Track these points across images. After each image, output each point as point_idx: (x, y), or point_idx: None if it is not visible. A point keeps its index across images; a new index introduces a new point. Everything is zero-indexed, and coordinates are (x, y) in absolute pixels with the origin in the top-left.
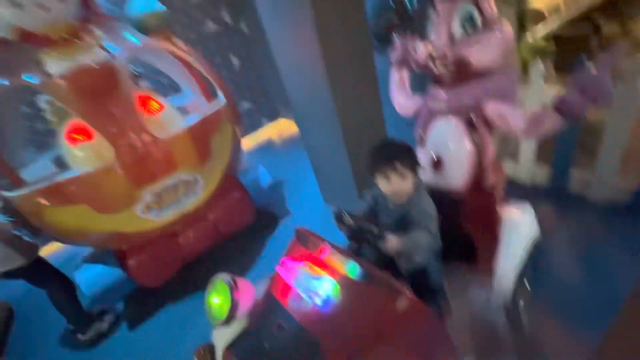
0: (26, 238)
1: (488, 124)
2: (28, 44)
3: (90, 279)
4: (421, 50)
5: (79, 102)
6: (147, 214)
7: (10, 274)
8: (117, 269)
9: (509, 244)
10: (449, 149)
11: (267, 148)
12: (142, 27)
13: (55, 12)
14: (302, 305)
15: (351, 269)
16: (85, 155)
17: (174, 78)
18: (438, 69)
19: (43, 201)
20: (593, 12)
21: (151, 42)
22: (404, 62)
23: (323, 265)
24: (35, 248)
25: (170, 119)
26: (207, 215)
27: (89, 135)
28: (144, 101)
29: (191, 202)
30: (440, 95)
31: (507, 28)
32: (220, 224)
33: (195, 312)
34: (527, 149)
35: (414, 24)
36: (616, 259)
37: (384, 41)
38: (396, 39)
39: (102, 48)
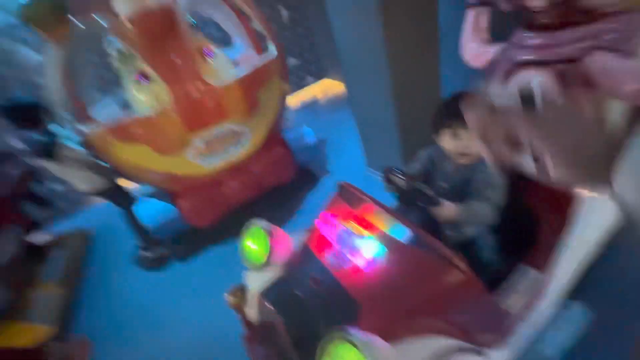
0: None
1: (588, 82)
2: None
3: (150, 213)
4: None
5: (143, 45)
6: (197, 160)
7: (100, 194)
8: (171, 207)
9: (582, 228)
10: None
11: (311, 107)
12: None
13: None
14: (341, 263)
15: (398, 230)
16: (146, 98)
17: (227, 30)
18: (538, 1)
19: (110, 138)
20: None
21: None
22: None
23: (366, 224)
24: (114, 173)
25: (222, 69)
26: (250, 167)
27: (149, 78)
28: (200, 50)
29: (237, 153)
30: (531, 41)
31: None
32: (262, 177)
33: (235, 255)
34: None
35: None
36: None
37: None
38: None
39: None
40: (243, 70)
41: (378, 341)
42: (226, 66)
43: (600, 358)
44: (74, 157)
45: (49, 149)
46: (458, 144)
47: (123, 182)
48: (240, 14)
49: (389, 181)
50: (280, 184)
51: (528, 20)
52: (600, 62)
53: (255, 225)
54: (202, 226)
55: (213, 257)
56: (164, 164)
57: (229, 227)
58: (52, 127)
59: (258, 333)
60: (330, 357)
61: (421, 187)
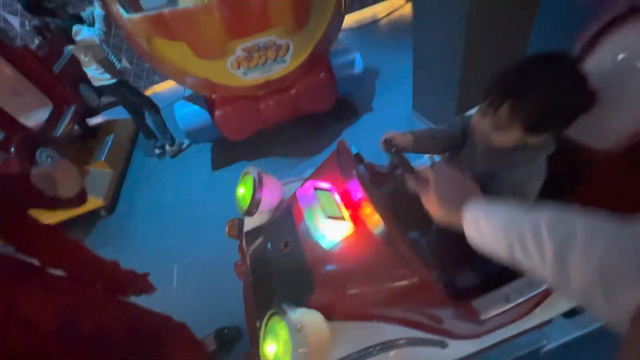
0: (116, 63)
1: None
2: None
3: (186, 116)
4: None
5: None
6: (236, 70)
7: (106, 91)
8: (207, 114)
9: None
10: (627, 81)
11: (369, 30)
12: None
13: None
14: (311, 237)
15: (374, 220)
16: None
17: None
18: None
19: (151, 29)
20: None
21: None
22: None
23: (347, 199)
24: (122, 73)
25: None
26: (289, 88)
27: None
28: None
29: (278, 69)
30: None
31: None
32: (300, 100)
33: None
34: None
35: None
36: None
37: None
38: None
39: None
40: None
41: (316, 317)
42: None
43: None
44: (90, 46)
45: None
46: (481, 124)
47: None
48: None
49: (386, 147)
50: (319, 111)
51: None
52: None
53: (248, 172)
54: (234, 139)
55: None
56: (203, 69)
57: (261, 145)
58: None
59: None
60: (268, 328)
61: (410, 170)
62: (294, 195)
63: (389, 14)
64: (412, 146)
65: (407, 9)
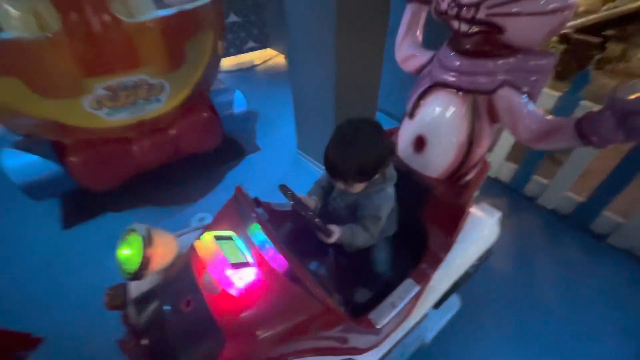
0: None
1: (493, 116)
2: None
3: (23, 168)
4: None
5: None
6: (97, 111)
7: None
8: (54, 163)
9: (467, 243)
10: (438, 131)
11: (247, 74)
12: None
13: None
14: (215, 287)
15: (278, 261)
16: (21, 17)
17: None
18: (460, 24)
19: None
20: (604, 28)
21: None
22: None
23: (250, 245)
24: None
25: (141, 7)
26: (168, 128)
27: None
28: None
29: (152, 109)
30: (452, 62)
31: None
32: (181, 141)
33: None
34: (502, 147)
35: None
36: (542, 257)
37: None
38: None
39: None
40: (167, 12)
41: None
42: (146, 5)
43: (466, 337)
44: None
45: None
46: (339, 186)
47: None
48: None
49: (284, 193)
50: (202, 151)
51: (452, 39)
52: (507, 99)
53: (133, 230)
54: (98, 189)
55: (109, 227)
56: (47, 109)
57: (134, 193)
58: None
59: (134, 338)
60: None
61: (304, 211)
62: (192, 248)
63: (265, 62)
64: (309, 197)
65: (281, 59)
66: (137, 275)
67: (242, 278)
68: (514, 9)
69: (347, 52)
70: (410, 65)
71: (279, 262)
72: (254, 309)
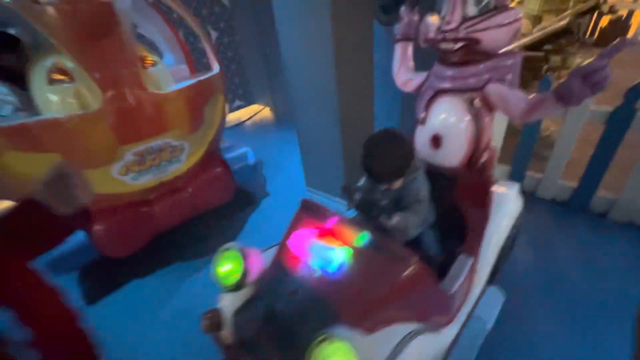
0: None
1: (489, 105)
2: None
3: None
4: (432, 23)
5: (70, 37)
6: (124, 176)
7: None
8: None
9: (498, 216)
10: (449, 128)
11: (237, 130)
12: None
13: None
14: (314, 273)
15: (361, 237)
16: (63, 98)
17: (157, 42)
18: (447, 45)
19: (6, 142)
20: (543, 45)
21: None
22: (409, 36)
23: (332, 234)
24: None
25: (164, 77)
26: (185, 186)
27: (70, 77)
28: (140, 56)
29: (172, 170)
30: (446, 73)
31: (518, 8)
32: (198, 197)
33: (165, 288)
34: (556, 164)
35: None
36: (557, 243)
37: (391, 13)
38: (404, 12)
39: None
40: (188, 81)
41: (358, 335)
42: (167, 77)
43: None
44: None
45: None
46: (382, 186)
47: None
48: (173, 27)
49: (347, 194)
50: (218, 206)
51: (442, 57)
52: (496, 90)
53: (229, 247)
54: (121, 256)
55: (139, 292)
56: None
57: (157, 254)
58: None
59: (236, 353)
60: (320, 355)
61: (372, 198)
62: (280, 248)
63: (252, 117)
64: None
65: (267, 112)
66: (239, 285)
67: (338, 258)
68: (484, 25)
69: (346, 94)
70: (410, 87)
71: (364, 239)
72: (355, 281)
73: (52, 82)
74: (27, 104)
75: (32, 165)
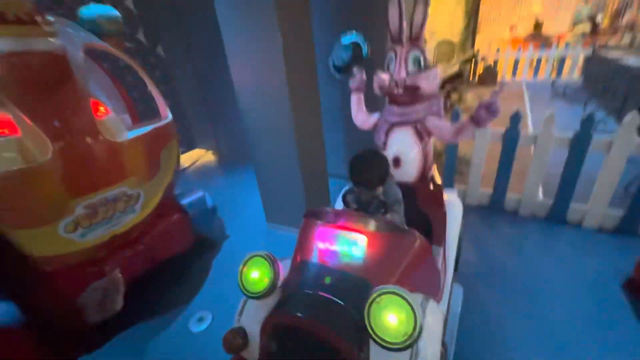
0: None
1: (428, 133)
2: None
3: None
4: (385, 77)
5: (19, 89)
6: (72, 234)
7: None
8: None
9: (452, 213)
10: (405, 153)
11: (181, 177)
12: (97, 31)
13: None
14: (341, 259)
15: (374, 224)
16: (6, 155)
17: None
18: (397, 90)
19: None
20: (444, 84)
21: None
22: (361, 88)
23: (346, 228)
24: None
25: (117, 125)
26: (141, 238)
27: (13, 130)
28: (94, 103)
29: (127, 220)
30: (397, 110)
31: (438, 67)
32: (155, 248)
33: (130, 356)
34: (474, 177)
35: (368, 63)
36: (487, 240)
37: (344, 72)
38: (356, 71)
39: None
40: (145, 128)
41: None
42: (120, 126)
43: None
44: None
45: None
46: (364, 193)
47: None
48: (113, 76)
49: (350, 195)
50: (177, 254)
51: (392, 99)
52: (433, 121)
53: (256, 255)
54: (73, 329)
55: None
56: (19, 241)
57: (117, 318)
58: None
59: None
60: (380, 309)
61: (366, 203)
62: (303, 253)
63: (194, 162)
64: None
65: (210, 156)
66: (269, 291)
67: (360, 243)
68: (422, 77)
69: (301, 130)
70: (367, 125)
71: (374, 225)
72: (377, 258)
73: None
74: None
75: None
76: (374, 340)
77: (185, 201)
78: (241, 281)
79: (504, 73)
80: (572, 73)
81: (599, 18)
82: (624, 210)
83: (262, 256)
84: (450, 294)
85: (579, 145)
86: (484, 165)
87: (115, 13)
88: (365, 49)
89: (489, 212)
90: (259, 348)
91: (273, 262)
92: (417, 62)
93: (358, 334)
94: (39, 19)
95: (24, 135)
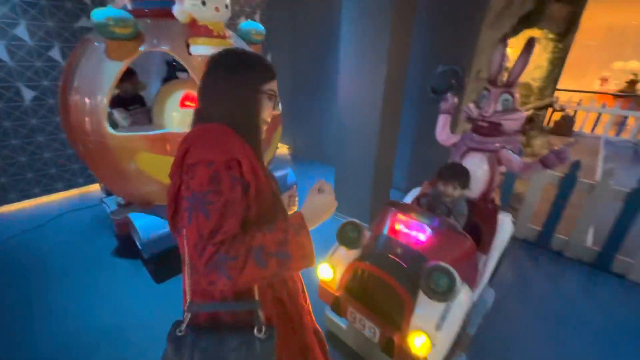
0: None
1: (499, 162)
2: (188, 28)
3: (147, 226)
4: (474, 109)
5: None
6: None
7: None
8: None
9: (501, 232)
10: (474, 172)
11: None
12: (248, 40)
13: (222, 15)
14: (410, 239)
15: (433, 221)
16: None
17: None
18: (482, 122)
19: (144, 145)
20: None
21: None
22: (450, 112)
23: (418, 219)
24: None
25: None
26: None
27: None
28: None
29: None
30: (476, 138)
31: (524, 111)
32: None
33: None
34: (526, 212)
35: (459, 91)
36: (528, 271)
37: (439, 95)
38: (449, 96)
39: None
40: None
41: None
42: None
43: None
44: None
45: None
46: (446, 190)
47: None
48: None
49: (422, 200)
50: None
51: (474, 128)
52: (506, 155)
53: (352, 221)
54: None
55: None
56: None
57: None
58: None
59: (345, 301)
60: (432, 279)
61: (436, 204)
62: (381, 227)
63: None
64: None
65: (284, 150)
66: (356, 245)
67: (424, 231)
68: (506, 117)
69: (382, 141)
70: (448, 142)
71: (435, 222)
72: (435, 244)
73: (183, 106)
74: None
75: (155, 164)
76: (424, 291)
77: (276, 174)
78: (339, 233)
79: (582, 125)
80: None
81: None
82: None
83: (355, 222)
84: (484, 291)
85: (633, 201)
86: (536, 203)
87: (262, 28)
88: (460, 78)
89: (533, 247)
90: (338, 282)
91: (361, 227)
92: (506, 103)
93: (412, 286)
94: (228, 33)
95: None
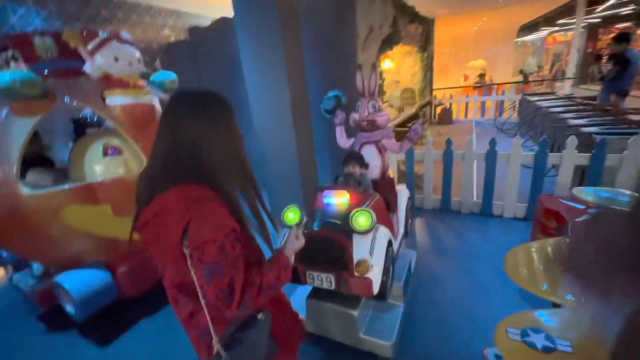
0: None
1: (384, 149)
2: (102, 82)
3: (80, 282)
4: (356, 116)
5: (130, 127)
6: None
7: None
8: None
9: (401, 200)
10: (371, 160)
11: None
12: (163, 88)
13: (134, 68)
14: (338, 206)
15: (353, 189)
16: (113, 166)
17: None
18: (364, 124)
19: (69, 198)
20: (406, 124)
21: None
22: (342, 123)
23: (340, 192)
24: None
25: None
26: None
27: (119, 152)
28: None
29: None
30: (365, 135)
31: (386, 110)
32: None
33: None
34: (427, 188)
35: (346, 107)
36: (439, 230)
37: (331, 113)
38: (339, 112)
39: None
40: None
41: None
42: None
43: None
44: None
45: None
46: (353, 169)
47: None
48: None
49: (339, 179)
50: None
51: (360, 129)
52: (385, 141)
53: (292, 206)
54: (134, 295)
55: (143, 334)
56: (115, 228)
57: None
58: None
59: (305, 261)
60: (356, 217)
61: (356, 180)
62: (313, 206)
63: None
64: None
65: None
66: (300, 223)
67: (346, 198)
68: (376, 115)
69: (300, 150)
70: (347, 145)
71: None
72: (355, 202)
73: (106, 154)
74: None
75: (86, 215)
76: (354, 232)
77: None
78: (283, 218)
79: (457, 114)
80: (511, 113)
81: (530, 69)
82: (527, 203)
83: (295, 206)
84: (405, 248)
85: (490, 159)
86: (433, 178)
87: (175, 75)
88: (343, 100)
89: (440, 212)
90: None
91: (301, 208)
92: (374, 107)
93: (347, 233)
94: (143, 84)
95: (127, 154)
